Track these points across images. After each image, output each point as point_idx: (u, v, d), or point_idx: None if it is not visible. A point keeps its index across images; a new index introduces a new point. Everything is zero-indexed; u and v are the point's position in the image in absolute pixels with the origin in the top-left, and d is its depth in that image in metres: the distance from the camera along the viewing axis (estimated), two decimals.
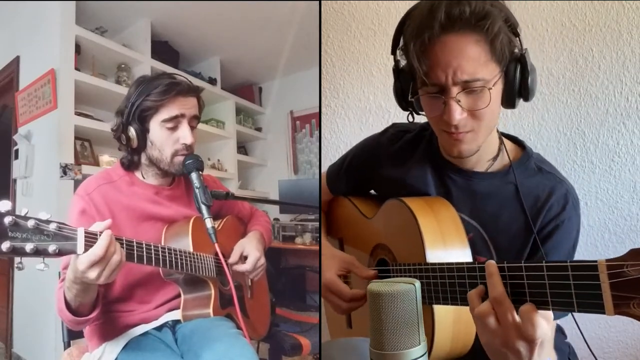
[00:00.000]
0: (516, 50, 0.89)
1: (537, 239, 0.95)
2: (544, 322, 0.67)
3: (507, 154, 1.01)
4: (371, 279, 1.03)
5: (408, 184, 1.08)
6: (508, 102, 0.92)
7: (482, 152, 0.99)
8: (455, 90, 0.85)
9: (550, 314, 0.69)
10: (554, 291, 0.64)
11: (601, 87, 1.43)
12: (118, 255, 0.89)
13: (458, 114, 0.86)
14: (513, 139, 1.07)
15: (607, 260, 0.57)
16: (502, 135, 1.04)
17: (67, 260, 1.06)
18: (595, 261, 0.58)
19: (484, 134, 0.93)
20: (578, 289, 0.61)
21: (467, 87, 0.85)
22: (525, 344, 0.68)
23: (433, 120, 0.95)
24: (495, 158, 1.01)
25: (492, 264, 0.71)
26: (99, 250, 0.85)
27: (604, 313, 0.58)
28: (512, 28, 0.87)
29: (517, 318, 0.68)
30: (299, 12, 2.97)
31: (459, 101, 0.86)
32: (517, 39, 0.88)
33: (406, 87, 0.96)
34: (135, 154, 1.19)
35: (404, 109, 1.02)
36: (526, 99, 0.92)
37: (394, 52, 0.97)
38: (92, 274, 0.86)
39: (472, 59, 0.84)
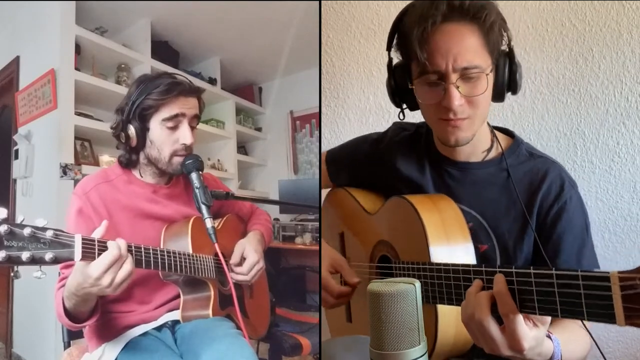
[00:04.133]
0: (504, 46, 0.95)
1: (529, 221, 0.98)
2: (530, 332, 0.70)
3: (499, 143, 1.06)
4: (353, 286, 1.08)
5: (407, 178, 1.12)
6: (498, 95, 0.97)
7: (476, 144, 1.04)
8: (454, 76, 0.90)
9: (547, 320, 0.71)
10: (563, 299, 0.63)
11: (601, 87, 1.43)
12: (128, 263, 0.89)
13: (457, 100, 0.91)
14: (503, 130, 1.12)
15: (620, 272, 0.57)
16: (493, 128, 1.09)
17: None
18: (608, 272, 0.58)
19: (478, 122, 0.97)
20: (588, 299, 0.60)
21: (465, 74, 0.90)
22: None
23: (430, 109, 0.98)
24: (489, 150, 1.06)
25: (500, 281, 0.70)
26: (112, 254, 0.86)
27: (614, 323, 0.58)
28: (503, 23, 0.94)
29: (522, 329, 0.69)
30: (299, 12, 2.97)
31: (458, 87, 0.90)
32: (506, 34, 0.94)
33: (400, 84, 1.01)
34: (133, 152, 1.18)
35: (397, 105, 1.07)
36: (514, 91, 0.98)
37: (389, 49, 1.01)
38: (106, 280, 0.86)
39: (470, 47, 0.90)
